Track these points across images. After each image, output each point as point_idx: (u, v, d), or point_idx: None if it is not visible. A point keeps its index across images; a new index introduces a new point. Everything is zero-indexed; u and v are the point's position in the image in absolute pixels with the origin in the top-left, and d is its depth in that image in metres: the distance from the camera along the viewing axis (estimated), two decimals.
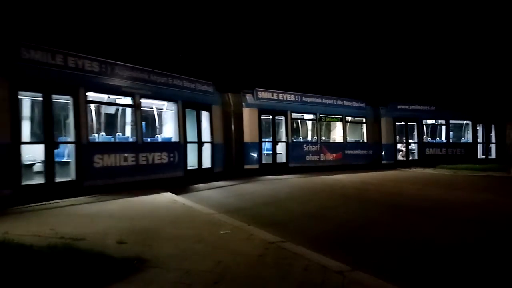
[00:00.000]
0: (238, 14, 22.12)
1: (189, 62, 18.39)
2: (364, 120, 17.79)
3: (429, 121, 19.45)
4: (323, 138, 16.95)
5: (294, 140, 15.92)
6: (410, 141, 18.47)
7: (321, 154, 16.21)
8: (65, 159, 8.85)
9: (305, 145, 16.07)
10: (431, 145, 18.93)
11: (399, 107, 18.46)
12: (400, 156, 18.51)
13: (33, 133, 8.53)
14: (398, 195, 9.99)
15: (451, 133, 19.72)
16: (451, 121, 19.51)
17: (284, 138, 15.35)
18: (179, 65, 16.34)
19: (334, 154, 16.59)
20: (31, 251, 4.27)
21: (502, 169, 15.56)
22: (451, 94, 22.44)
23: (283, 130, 15.49)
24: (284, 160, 15.29)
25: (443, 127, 19.68)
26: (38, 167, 8.38)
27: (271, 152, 15.03)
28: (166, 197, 8.58)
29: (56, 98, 8.62)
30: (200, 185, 11.41)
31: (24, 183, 7.77)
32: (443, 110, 19.20)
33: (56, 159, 8.40)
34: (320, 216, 7.27)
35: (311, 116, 16.50)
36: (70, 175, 8.58)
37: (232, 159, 13.73)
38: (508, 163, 15.89)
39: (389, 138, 18.00)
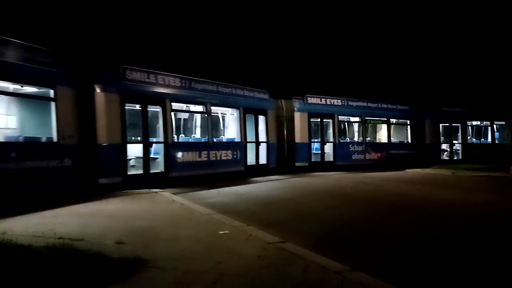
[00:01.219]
0: (290, 27, 24.07)
1: (247, 71, 20.60)
2: (408, 122, 18.98)
3: (474, 122, 20.17)
4: (369, 139, 18.39)
5: (341, 141, 17.55)
6: (454, 141, 19.34)
7: (366, 154, 17.68)
8: (156, 156, 11.35)
9: (351, 145, 17.65)
10: (475, 146, 19.66)
11: (443, 109, 19.36)
12: (444, 156, 19.42)
13: (134, 135, 11.08)
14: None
15: (496, 134, 20.24)
16: (495, 122, 20.07)
17: (331, 139, 17.05)
18: (239, 75, 18.54)
19: (379, 154, 17.99)
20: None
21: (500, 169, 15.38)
22: (488, 96, 22.70)
23: (330, 131, 17.19)
24: (331, 159, 16.99)
25: (488, 128, 20.29)
26: (138, 161, 10.91)
27: (320, 152, 16.81)
28: (164, 197, 8.80)
29: (150, 108, 11.13)
30: (258, 178, 13.51)
31: (129, 173, 10.35)
32: (486, 112, 19.84)
33: (151, 156, 10.94)
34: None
35: (357, 119, 18.05)
36: (160, 168, 11.09)
37: (285, 157, 15.71)
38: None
39: (433, 138, 19.04)
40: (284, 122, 15.80)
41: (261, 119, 14.71)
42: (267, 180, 13.10)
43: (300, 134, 16.14)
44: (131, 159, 10.64)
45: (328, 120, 17.10)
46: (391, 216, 7.45)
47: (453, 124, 19.29)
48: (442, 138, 19.36)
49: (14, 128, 8.17)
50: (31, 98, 8.49)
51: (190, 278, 3.68)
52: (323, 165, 16.57)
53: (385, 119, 18.39)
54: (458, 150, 19.53)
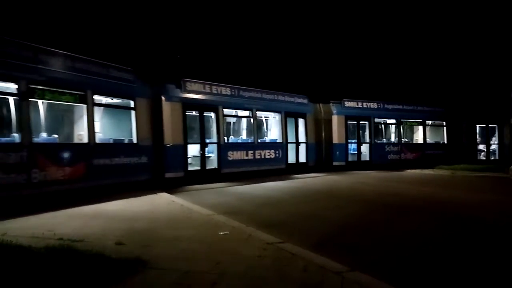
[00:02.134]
0: (329, 34, 25.43)
1: (289, 78, 22.30)
2: (444, 123, 19.79)
3: None
4: (404, 139, 19.42)
5: (377, 142, 18.75)
6: (491, 142, 19.88)
7: (402, 154, 18.75)
8: (210, 154, 13.34)
9: (386, 145, 18.81)
10: None
11: (479, 111, 19.95)
12: (481, 156, 20.02)
13: (193, 137, 13.09)
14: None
15: None
16: None
17: (368, 140, 18.33)
18: (282, 81, 20.29)
19: (414, 154, 18.99)
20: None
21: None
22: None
23: (367, 133, 18.46)
24: (367, 158, 18.26)
25: None
26: (196, 159, 12.93)
27: (356, 152, 18.14)
28: (164, 198, 8.94)
29: (205, 114, 13.12)
30: (297, 175, 15.14)
31: (189, 169, 12.41)
32: None
33: (206, 154, 12.95)
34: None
35: (393, 121, 19.16)
36: (214, 165, 13.07)
37: (323, 156, 17.21)
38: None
39: (470, 139, 19.73)
40: (323, 124, 17.31)
41: (301, 121, 16.35)
42: (306, 177, 14.70)
43: (337, 135, 17.57)
44: (190, 157, 12.69)
45: (365, 122, 18.37)
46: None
47: (489, 125, 19.83)
48: (478, 139, 19.97)
49: (106, 132, 10.39)
50: (117, 108, 10.75)
51: (190, 278, 3.73)
52: (359, 164, 17.87)
53: (421, 120, 19.35)
54: (495, 150, 20.02)
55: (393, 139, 19.51)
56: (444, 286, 3.97)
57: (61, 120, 9.49)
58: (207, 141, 13.21)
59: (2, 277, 3.56)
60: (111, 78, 9.96)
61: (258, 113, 14.89)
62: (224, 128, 13.81)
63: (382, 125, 19.69)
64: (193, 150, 12.81)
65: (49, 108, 8.98)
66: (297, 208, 8.24)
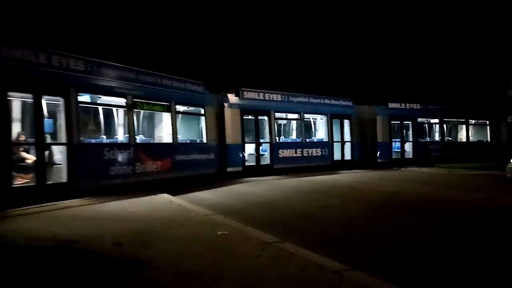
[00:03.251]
0: (372, 38, 26.97)
1: (334, 82, 24.25)
2: (487, 122, 20.79)
3: None
4: (448, 138, 20.70)
5: (421, 140, 20.22)
6: None
7: (445, 152, 20.08)
8: (264, 152, 15.78)
9: (429, 144, 20.23)
10: None
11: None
12: None
13: (249, 138, 15.56)
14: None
15: None
16: None
17: (411, 139, 19.87)
18: (327, 86, 22.35)
19: (456, 151, 20.25)
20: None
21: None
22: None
23: (410, 132, 20.01)
24: (411, 156, 19.81)
25: None
26: (251, 156, 15.42)
27: (400, 150, 19.74)
28: (163, 199, 9.15)
29: (260, 117, 15.58)
30: (343, 171, 17.13)
31: (246, 164, 14.94)
32: None
33: (260, 152, 15.42)
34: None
35: (436, 120, 20.51)
36: (267, 161, 15.51)
37: (367, 155, 19.03)
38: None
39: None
40: (367, 125, 19.14)
41: (346, 122, 18.33)
42: (347, 173, 16.67)
43: (381, 134, 19.31)
44: (247, 154, 15.21)
45: (408, 122, 19.93)
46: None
47: None
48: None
49: (183, 134, 13.15)
50: (191, 114, 13.52)
51: (189, 278, 3.82)
52: (403, 161, 19.46)
53: (463, 120, 20.53)
54: None
55: (437, 137, 20.86)
56: (443, 285, 4.05)
57: (153, 125, 12.39)
58: (261, 141, 15.66)
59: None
60: (188, 91, 12.75)
61: (306, 116, 17.13)
62: (276, 130, 16.19)
63: (426, 125, 21.08)
64: (249, 148, 15.33)
65: (146, 116, 11.93)
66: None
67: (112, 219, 6.74)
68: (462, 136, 21.22)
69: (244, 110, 14.91)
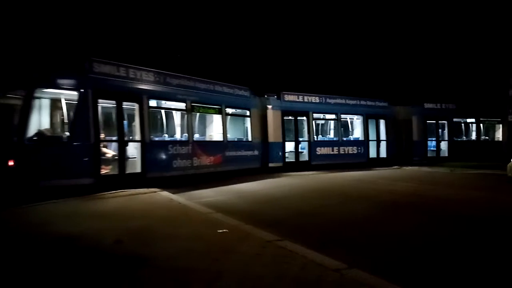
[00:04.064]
0: (410, 40, 27.75)
1: (369, 83, 25.42)
2: None
3: None
4: (484, 137, 21.38)
5: (456, 139, 21.04)
6: None
7: (479, 150, 20.80)
8: (302, 150, 17.42)
9: (466, 143, 21.02)
10: None
11: None
12: None
13: (289, 136, 17.25)
14: None
15: None
16: None
17: (446, 138, 20.77)
18: (363, 87, 23.61)
19: (490, 149, 20.92)
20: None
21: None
22: None
23: (446, 131, 20.90)
24: (446, 154, 20.70)
25: None
26: (291, 153, 17.11)
27: (435, 149, 20.70)
28: (163, 196, 9.35)
29: (299, 118, 17.22)
30: (378, 168, 18.41)
31: (287, 161, 16.66)
32: None
33: (299, 150, 17.08)
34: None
35: (472, 120, 21.25)
36: (305, 158, 17.16)
37: (402, 152, 20.14)
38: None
39: None
40: (402, 124, 20.26)
41: (382, 122, 19.58)
42: (382, 169, 17.97)
43: (417, 133, 20.39)
44: (287, 152, 16.92)
45: (444, 122, 20.85)
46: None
47: None
48: None
49: (232, 133, 15.08)
50: (238, 116, 15.43)
51: (189, 276, 3.90)
52: (438, 159, 20.41)
53: (499, 119, 21.12)
54: None
55: (473, 136, 21.57)
56: (441, 284, 4.10)
57: (207, 125, 14.43)
58: (300, 139, 17.30)
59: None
60: (235, 95, 14.70)
61: (343, 116, 18.59)
62: (314, 129, 17.78)
63: (462, 124, 21.84)
64: (289, 146, 17.03)
65: (201, 118, 13.98)
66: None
67: (110, 217, 6.92)
68: (499, 135, 21.75)
69: (284, 112, 16.63)
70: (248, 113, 15.18)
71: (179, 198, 9.03)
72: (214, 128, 14.23)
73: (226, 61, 24.14)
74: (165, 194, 9.55)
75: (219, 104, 13.72)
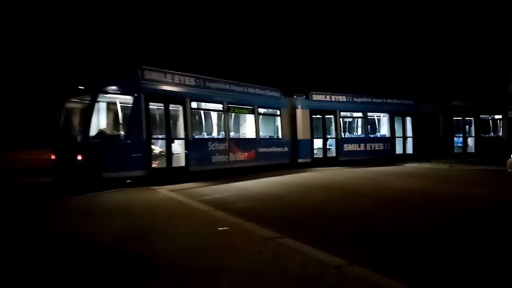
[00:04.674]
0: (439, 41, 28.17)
1: (395, 83, 26.15)
2: None
3: None
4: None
5: (483, 135, 21.57)
6: None
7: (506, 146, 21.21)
8: (330, 147, 18.54)
9: (491, 139, 21.52)
10: None
11: None
12: None
13: (317, 134, 18.42)
14: None
15: None
16: None
17: (473, 134, 21.35)
18: (390, 86, 24.40)
19: None
20: None
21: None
22: None
23: (473, 128, 21.48)
24: (473, 150, 21.28)
25: None
26: (319, 150, 18.28)
27: (462, 145, 21.31)
28: (163, 195, 9.58)
29: (326, 116, 18.36)
30: (402, 163, 19.24)
31: (315, 157, 17.86)
32: None
33: (327, 146, 18.23)
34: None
35: (499, 116, 21.69)
36: (333, 154, 18.30)
37: (428, 149, 20.85)
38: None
39: None
40: (429, 122, 21.00)
41: (408, 119, 20.42)
42: (406, 165, 18.81)
43: (444, 130, 21.10)
44: (315, 148, 18.11)
45: (471, 118, 21.42)
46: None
47: None
48: None
49: (263, 131, 16.44)
50: (269, 115, 16.78)
51: (190, 274, 3.99)
52: (465, 155, 21.00)
53: None
54: None
55: (501, 133, 21.98)
56: (442, 281, 4.08)
57: (241, 124, 15.87)
58: (328, 136, 18.45)
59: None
60: (267, 96, 16.08)
61: (369, 114, 19.59)
62: (341, 127, 18.87)
63: (490, 121, 22.30)
64: (317, 143, 18.21)
65: (236, 117, 15.45)
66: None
67: (111, 214, 7.28)
68: None
69: (312, 110, 17.82)
70: (278, 112, 16.51)
71: (180, 196, 9.21)
72: (248, 127, 15.64)
73: (259, 64, 25.55)
74: (165, 192, 9.93)
75: (252, 105, 15.13)
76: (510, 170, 12.43)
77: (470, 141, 21.47)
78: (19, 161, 22.27)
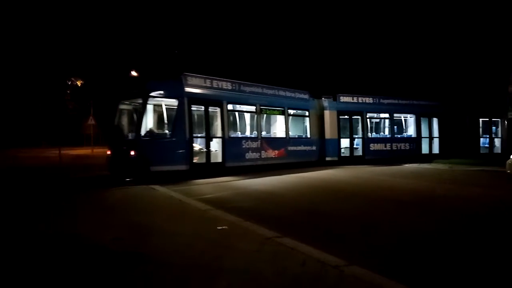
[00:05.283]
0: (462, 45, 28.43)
1: (422, 85, 26.77)
2: None
3: None
4: None
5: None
6: None
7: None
8: (357, 146, 19.60)
9: None
10: None
11: None
12: None
13: (344, 133, 19.53)
14: None
15: None
16: None
17: (499, 135, 21.82)
18: (416, 88, 25.11)
19: None
20: None
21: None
22: None
23: (499, 129, 21.93)
24: (500, 151, 21.73)
25: None
26: (346, 149, 19.38)
27: (488, 145, 21.81)
28: (162, 193, 9.68)
29: (353, 117, 19.45)
30: (426, 163, 20.00)
31: (342, 155, 19.00)
32: None
33: (354, 146, 19.33)
34: None
35: None
36: (359, 153, 19.38)
37: (455, 149, 21.49)
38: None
39: None
40: (455, 123, 21.63)
41: (434, 120, 21.20)
42: (433, 162, 19.58)
43: (470, 131, 21.67)
44: (343, 147, 19.24)
45: (497, 120, 21.87)
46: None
47: None
48: None
49: (293, 131, 17.77)
50: (298, 116, 18.10)
51: (189, 273, 4.03)
52: (491, 156, 21.47)
53: None
54: None
55: None
56: (442, 282, 4.06)
57: (272, 124, 17.29)
58: (355, 136, 19.53)
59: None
60: (296, 98, 17.44)
61: (395, 115, 20.52)
62: (368, 127, 19.91)
63: None
64: (344, 142, 19.33)
65: (267, 118, 16.89)
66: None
67: (112, 212, 7.50)
68: None
69: (340, 111, 18.97)
70: (307, 113, 17.80)
71: (179, 195, 9.25)
72: (278, 127, 17.03)
73: (290, 67, 26.88)
74: (164, 190, 10.09)
75: (282, 106, 16.51)
76: (509, 171, 12.48)
77: (497, 141, 21.94)
78: (28, 158, 22.93)
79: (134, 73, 27.85)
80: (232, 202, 8.75)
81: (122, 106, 13.79)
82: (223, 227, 5.96)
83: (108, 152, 13.24)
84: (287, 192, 10.52)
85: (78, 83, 38.12)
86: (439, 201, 9.04)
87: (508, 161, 12.62)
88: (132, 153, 12.23)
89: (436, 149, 21.15)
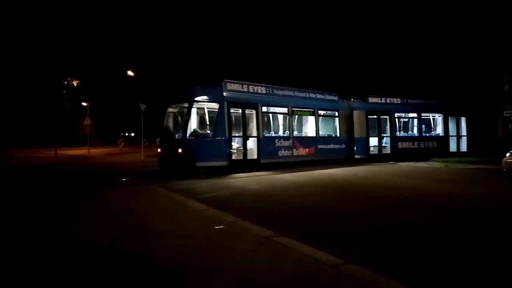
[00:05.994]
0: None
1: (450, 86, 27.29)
2: None
3: None
4: None
5: None
6: None
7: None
8: (385, 144, 20.71)
9: None
10: None
11: None
12: None
13: (373, 132, 20.68)
14: None
15: None
16: None
17: None
18: (444, 88, 25.75)
19: None
20: None
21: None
22: None
23: None
24: None
25: None
26: (375, 147, 20.54)
27: None
28: (161, 193, 9.86)
29: (381, 117, 20.59)
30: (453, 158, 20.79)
31: (370, 153, 20.20)
32: None
33: (382, 144, 20.45)
34: None
35: None
36: (387, 151, 20.50)
37: (484, 147, 22.11)
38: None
39: None
40: (485, 122, 22.26)
41: (462, 119, 21.95)
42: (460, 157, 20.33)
43: (500, 130, 22.21)
44: (371, 146, 20.42)
45: None
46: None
47: None
48: None
49: (323, 130, 19.19)
50: (328, 116, 19.50)
51: (186, 272, 4.07)
52: None
53: None
54: None
55: None
56: (442, 283, 4.04)
57: (303, 124, 18.81)
58: (383, 135, 20.67)
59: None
60: (326, 100, 18.87)
61: (423, 114, 21.48)
62: (396, 126, 20.99)
63: None
64: (373, 141, 20.50)
65: (298, 119, 18.42)
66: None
67: (110, 212, 7.48)
68: None
69: (368, 112, 20.18)
70: (336, 114, 19.19)
71: (176, 195, 9.36)
72: (309, 126, 18.54)
73: (320, 70, 28.23)
74: (162, 190, 10.22)
75: (312, 108, 18.00)
76: (505, 169, 12.66)
77: None
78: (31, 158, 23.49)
79: (130, 73, 29.14)
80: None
81: (170, 110, 15.78)
82: (221, 226, 6.05)
83: (159, 150, 15.28)
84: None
85: (74, 83, 38.84)
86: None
87: (504, 159, 12.77)
88: (180, 151, 14.13)
89: (464, 147, 21.90)
